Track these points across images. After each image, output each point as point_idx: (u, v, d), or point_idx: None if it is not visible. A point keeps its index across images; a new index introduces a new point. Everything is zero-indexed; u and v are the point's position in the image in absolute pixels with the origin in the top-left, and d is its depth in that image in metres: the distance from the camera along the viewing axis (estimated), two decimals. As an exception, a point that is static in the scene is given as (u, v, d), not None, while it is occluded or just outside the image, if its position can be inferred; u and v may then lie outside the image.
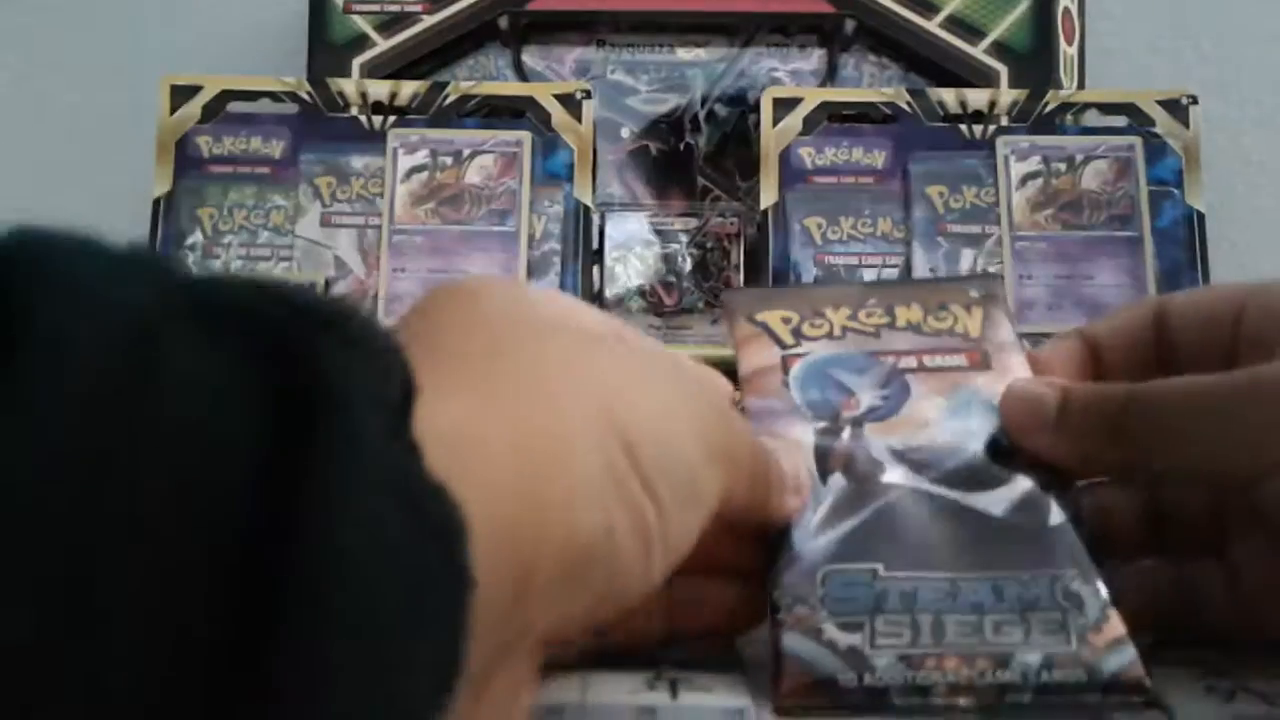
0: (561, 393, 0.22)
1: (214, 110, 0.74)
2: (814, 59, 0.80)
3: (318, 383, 0.16)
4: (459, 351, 0.23)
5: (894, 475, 0.30)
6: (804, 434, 0.31)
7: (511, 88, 0.76)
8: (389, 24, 0.78)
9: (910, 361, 0.33)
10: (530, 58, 0.80)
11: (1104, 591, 0.26)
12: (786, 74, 0.80)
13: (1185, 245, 0.70)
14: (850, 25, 0.78)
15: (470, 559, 0.17)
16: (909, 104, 0.73)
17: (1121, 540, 0.31)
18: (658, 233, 0.79)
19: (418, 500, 0.17)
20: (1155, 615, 0.30)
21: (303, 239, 0.72)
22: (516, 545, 0.19)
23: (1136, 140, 0.71)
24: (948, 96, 0.73)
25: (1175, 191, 0.70)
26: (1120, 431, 0.27)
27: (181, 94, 0.74)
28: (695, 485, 0.24)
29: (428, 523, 0.17)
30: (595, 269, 0.75)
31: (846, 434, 0.31)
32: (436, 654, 0.16)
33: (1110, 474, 0.31)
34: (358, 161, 0.73)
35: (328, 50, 0.78)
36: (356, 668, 0.14)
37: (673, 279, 0.77)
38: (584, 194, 0.72)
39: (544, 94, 0.74)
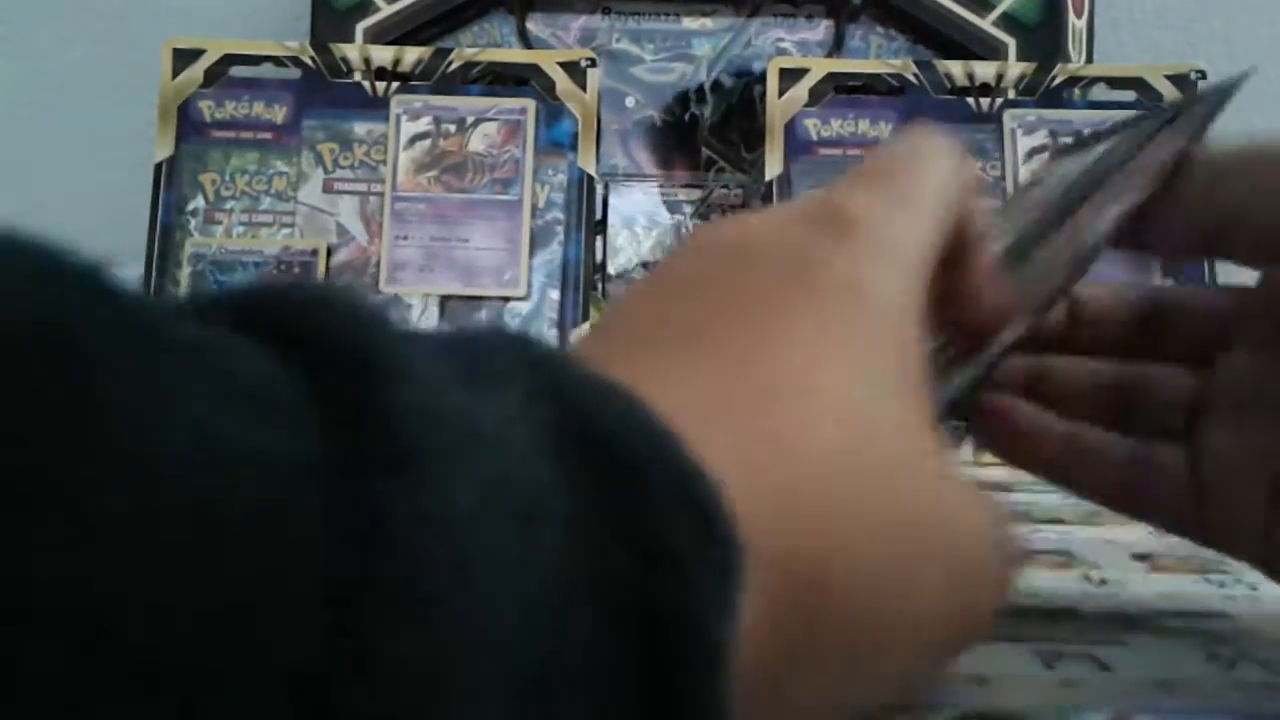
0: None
1: (216, 74, 0.73)
2: (821, 29, 0.80)
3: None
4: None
5: None
6: None
7: (516, 55, 0.76)
8: (393, -11, 0.77)
9: None
10: (535, 25, 0.80)
11: None
12: (793, 44, 0.80)
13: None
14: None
15: None
16: (916, 76, 0.73)
17: (1085, 410, 0.30)
18: (662, 204, 0.78)
19: None
20: (1103, 483, 0.29)
21: (305, 205, 0.72)
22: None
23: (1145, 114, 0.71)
24: (955, 69, 0.73)
25: (1182, 167, 0.70)
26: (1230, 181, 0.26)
27: (184, 58, 0.73)
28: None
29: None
30: (599, 240, 0.75)
31: None
32: None
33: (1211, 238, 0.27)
34: (360, 128, 0.72)
35: (331, 15, 0.78)
36: None
37: (676, 250, 0.76)
38: (588, 163, 0.72)
39: (549, 61, 0.73)
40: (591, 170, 0.72)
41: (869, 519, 0.17)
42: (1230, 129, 0.29)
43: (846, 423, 0.18)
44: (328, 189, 0.72)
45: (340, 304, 0.13)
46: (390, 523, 0.11)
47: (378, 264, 0.70)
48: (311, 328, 0.13)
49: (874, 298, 0.19)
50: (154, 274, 0.70)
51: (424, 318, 0.69)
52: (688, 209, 0.78)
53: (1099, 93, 0.74)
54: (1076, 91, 0.73)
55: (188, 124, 0.73)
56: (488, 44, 0.79)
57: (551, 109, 0.72)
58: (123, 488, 0.10)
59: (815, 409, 0.17)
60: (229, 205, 0.72)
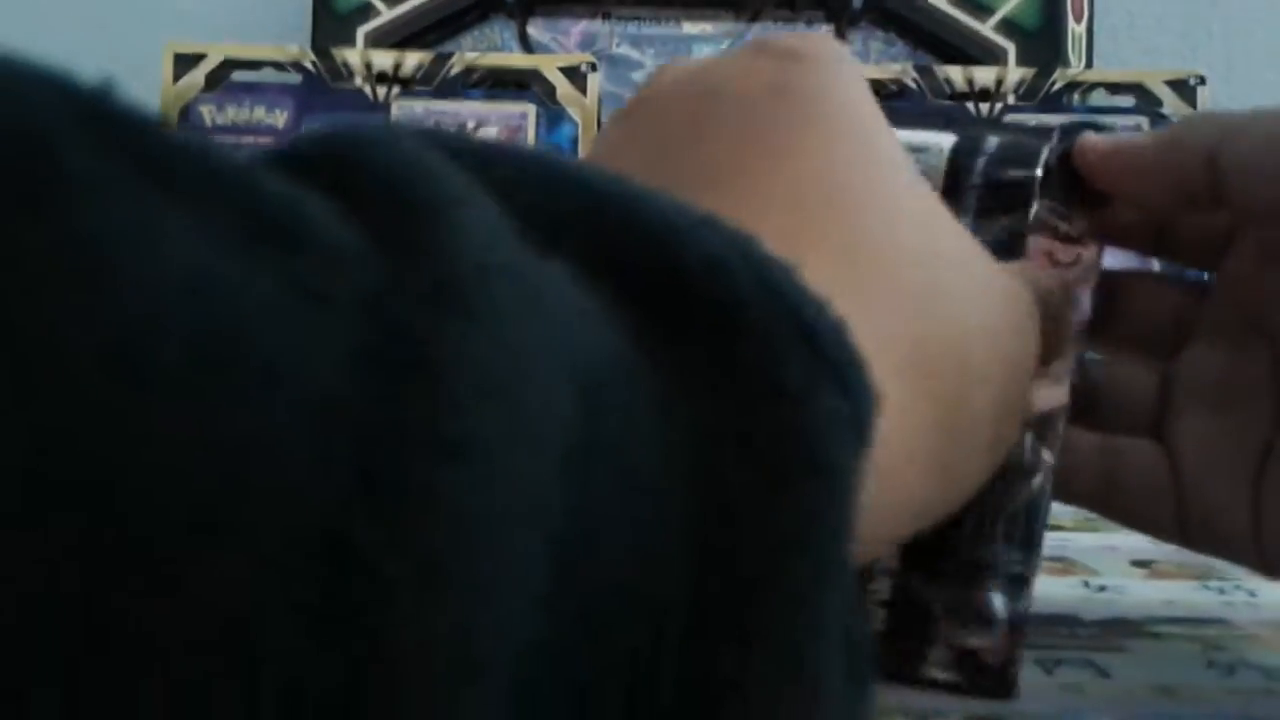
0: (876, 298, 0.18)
1: (217, 79, 0.73)
2: (821, 34, 0.80)
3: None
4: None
5: None
6: None
7: (517, 59, 0.76)
8: (394, -6, 0.77)
9: None
10: (536, 29, 0.80)
11: None
12: (793, 49, 0.80)
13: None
14: (857, 0, 0.77)
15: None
16: (916, 81, 0.73)
17: None
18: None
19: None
20: (1077, 484, 0.28)
21: (305, 209, 0.72)
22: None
23: (1144, 120, 0.71)
24: (955, 74, 0.73)
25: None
26: (1206, 121, 0.25)
27: (185, 62, 0.73)
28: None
29: None
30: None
31: None
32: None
33: (1184, 177, 0.26)
34: (361, 132, 0.73)
35: (332, 19, 0.78)
36: None
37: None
38: (588, 167, 0.72)
39: (550, 67, 0.73)
40: (592, 175, 0.72)
41: (948, 288, 0.19)
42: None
43: (904, 214, 0.19)
44: (328, 193, 0.72)
45: (391, 139, 0.12)
46: (433, 353, 0.10)
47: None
48: (358, 161, 0.12)
49: (849, 105, 0.20)
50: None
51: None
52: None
53: (1099, 97, 0.74)
54: (1076, 96, 0.73)
55: (189, 128, 0.73)
56: (489, 48, 0.79)
57: (553, 113, 0.73)
58: (109, 325, 0.09)
59: (873, 210, 0.18)
60: (230, 209, 0.72)
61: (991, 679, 0.24)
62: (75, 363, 0.09)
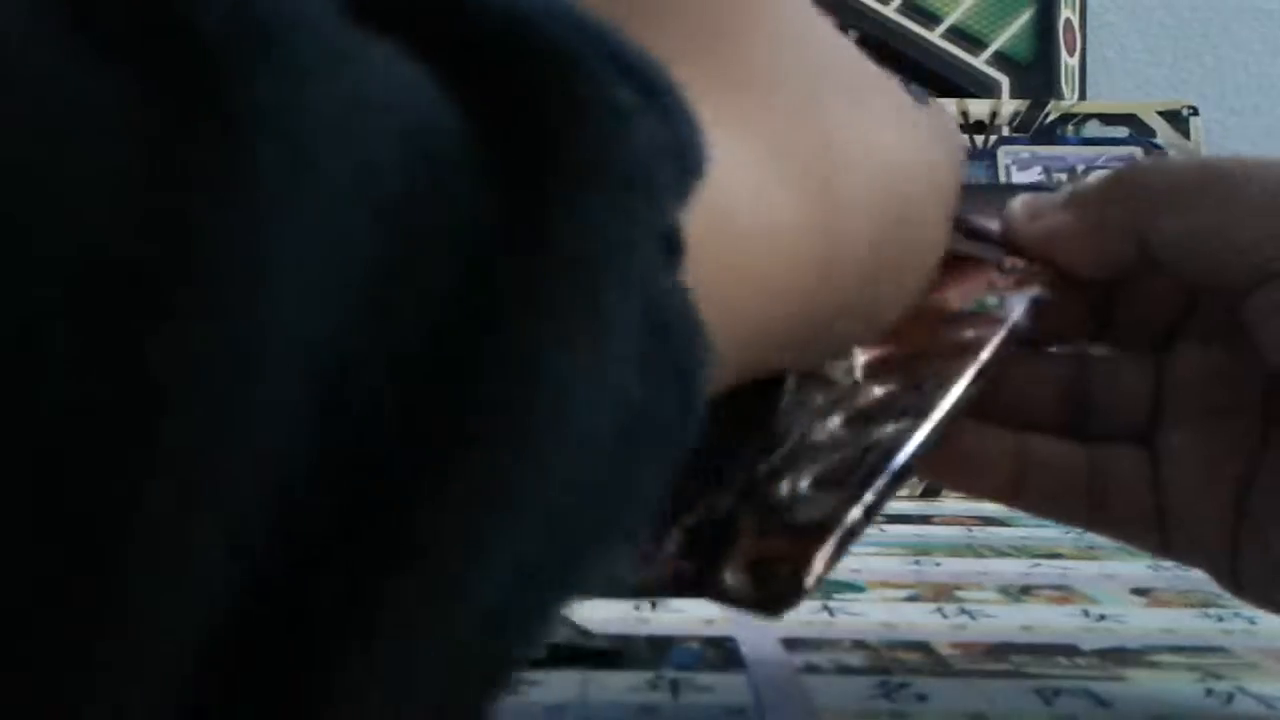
0: (845, 153, 0.20)
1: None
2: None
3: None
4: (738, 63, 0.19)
5: None
6: None
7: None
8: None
9: None
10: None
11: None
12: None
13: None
14: (852, 36, 0.78)
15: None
16: (911, 114, 0.73)
17: (1036, 417, 0.27)
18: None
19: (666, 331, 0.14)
20: (1059, 499, 0.27)
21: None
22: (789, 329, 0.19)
23: (1138, 151, 0.71)
24: (949, 106, 0.73)
25: (1176, 202, 0.71)
26: (1131, 199, 0.25)
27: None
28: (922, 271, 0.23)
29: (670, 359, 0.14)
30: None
31: None
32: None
33: (1111, 257, 0.26)
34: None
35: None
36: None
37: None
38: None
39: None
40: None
41: (828, 100, 0.20)
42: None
43: (796, 36, 0.21)
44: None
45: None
46: (224, 91, 0.11)
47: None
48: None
49: None
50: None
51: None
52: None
53: (1092, 129, 0.75)
54: (1070, 128, 0.74)
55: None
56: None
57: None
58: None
59: (759, 21, 0.20)
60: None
61: (780, 585, 0.21)
62: None
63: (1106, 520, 0.27)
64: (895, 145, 0.22)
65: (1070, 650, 0.31)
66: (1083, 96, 0.78)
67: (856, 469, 0.22)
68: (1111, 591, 0.38)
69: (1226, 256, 0.24)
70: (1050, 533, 0.48)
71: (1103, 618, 0.35)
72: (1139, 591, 0.38)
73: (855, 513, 0.21)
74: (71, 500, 0.09)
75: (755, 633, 0.31)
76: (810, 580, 0.20)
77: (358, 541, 0.11)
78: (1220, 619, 0.34)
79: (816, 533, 0.21)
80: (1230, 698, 0.27)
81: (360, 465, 0.11)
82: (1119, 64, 0.86)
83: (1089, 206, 0.26)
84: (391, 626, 0.11)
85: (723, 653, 0.31)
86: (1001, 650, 0.31)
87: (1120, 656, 0.30)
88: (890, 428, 0.23)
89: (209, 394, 0.10)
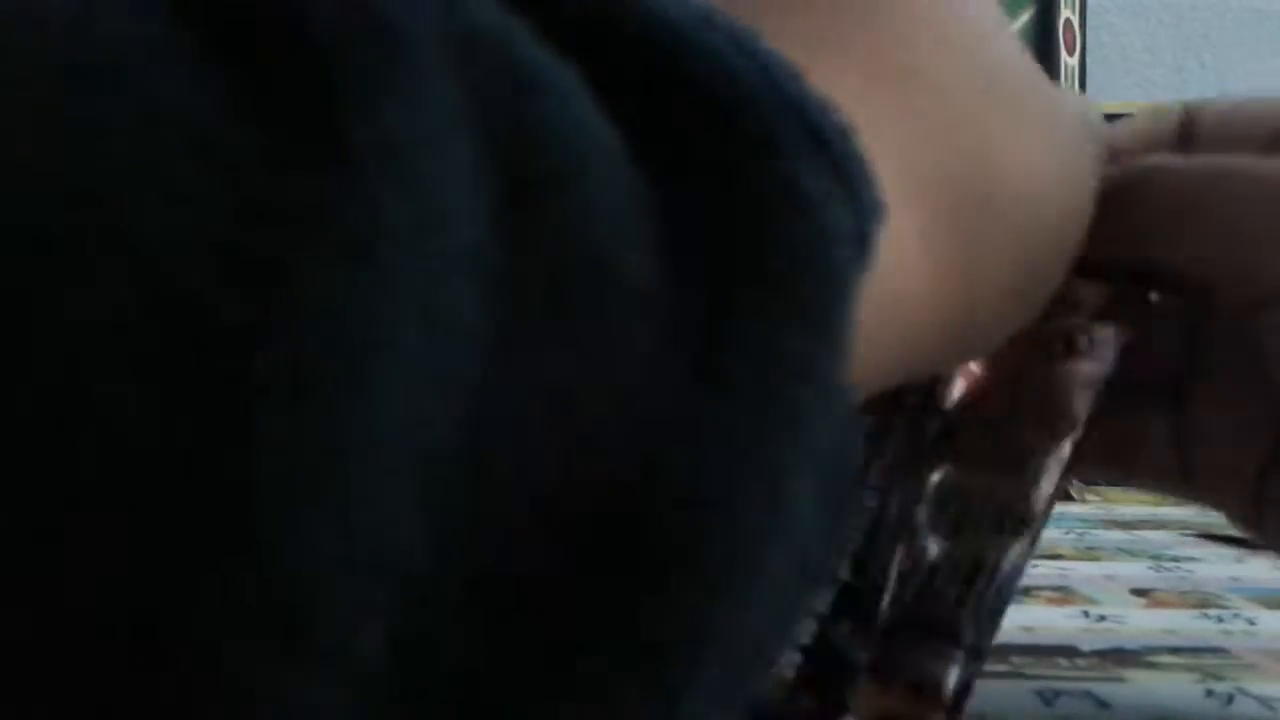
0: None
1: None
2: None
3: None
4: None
5: None
6: None
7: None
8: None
9: None
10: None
11: None
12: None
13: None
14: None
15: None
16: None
17: None
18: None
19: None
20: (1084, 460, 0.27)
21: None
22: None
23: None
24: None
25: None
26: (1125, 210, 0.24)
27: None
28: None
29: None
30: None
31: None
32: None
33: (1101, 267, 0.26)
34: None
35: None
36: None
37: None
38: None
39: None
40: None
41: (985, 123, 0.18)
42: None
43: (958, 36, 0.18)
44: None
45: None
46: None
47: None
48: None
49: None
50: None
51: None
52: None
53: (1092, 129, 0.75)
54: (1070, 128, 0.74)
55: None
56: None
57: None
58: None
59: (917, 23, 0.18)
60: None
61: None
62: None
63: (1133, 472, 0.27)
64: (1052, 172, 0.19)
65: (1070, 651, 0.31)
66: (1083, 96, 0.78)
67: (964, 605, 0.22)
68: (1111, 592, 0.38)
69: (1228, 284, 0.24)
70: (1050, 533, 0.48)
71: (1103, 618, 0.35)
72: (1139, 592, 0.38)
73: (971, 669, 0.22)
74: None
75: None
76: None
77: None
78: (1220, 620, 0.34)
79: (934, 692, 0.21)
80: (1230, 699, 0.27)
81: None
82: (1119, 64, 0.86)
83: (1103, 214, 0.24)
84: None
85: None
86: (1001, 651, 0.31)
87: (1120, 657, 0.31)
88: (993, 542, 0.22)
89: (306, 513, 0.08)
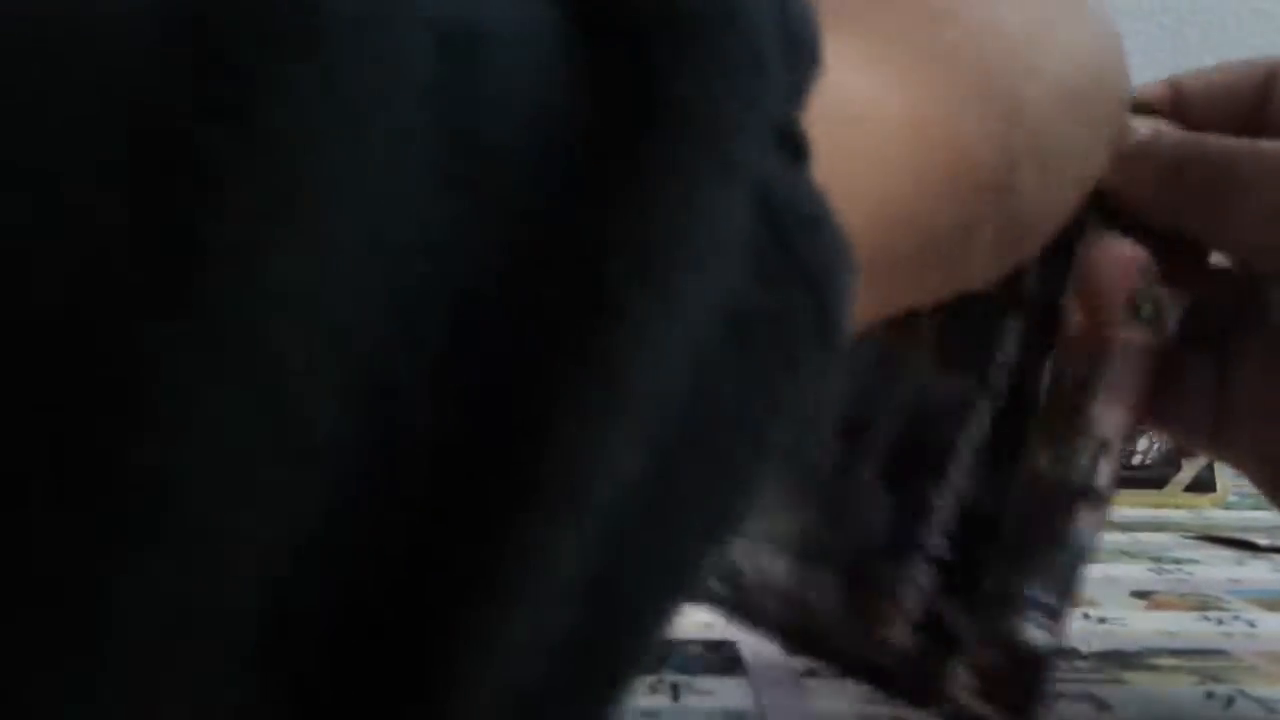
0: (960, 51, 0.18)
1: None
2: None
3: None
4: None
5: None
6: None
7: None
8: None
9: None
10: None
11: None
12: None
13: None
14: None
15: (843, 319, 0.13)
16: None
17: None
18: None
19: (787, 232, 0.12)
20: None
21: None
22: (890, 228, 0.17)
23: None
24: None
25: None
26: (1178, 181, 0.24)
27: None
28: (1079, 181, 0.21)
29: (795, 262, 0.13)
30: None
31: None
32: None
33: (1154, 229, 0.25)
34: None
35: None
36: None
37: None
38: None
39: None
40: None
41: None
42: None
43: None
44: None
45: None
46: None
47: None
48: None
49: None
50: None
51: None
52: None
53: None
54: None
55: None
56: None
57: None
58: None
59: None
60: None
61: (1016, 708, 0.23)
62: None
63: (1170, 417, 0.27)
64: (1083, 47, 0.21)
65: (1071, 653, 0.31)
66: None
67: (1052, 573, 0.23)
68: (1112, 594, 0.38)
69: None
70: (1051, 535, 0.48)
71: (1103, 620, 0.35)
72: (1139, 594, 0.38)
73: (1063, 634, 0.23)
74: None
75: (756, 636, 0.31)
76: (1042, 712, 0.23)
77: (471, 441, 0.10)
78: (1220, 622, 0.34)
79: (1034, 662, 0.23)
80: (1231, 701, 0.27)
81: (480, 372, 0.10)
82: (1119, 65, 0.86)
83: (1164, 175, 0.25)
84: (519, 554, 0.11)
85: (723, 656, 0.31)
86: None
87: (1121, 659, 0.31)
88: (1076, 516, 0.23)
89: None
